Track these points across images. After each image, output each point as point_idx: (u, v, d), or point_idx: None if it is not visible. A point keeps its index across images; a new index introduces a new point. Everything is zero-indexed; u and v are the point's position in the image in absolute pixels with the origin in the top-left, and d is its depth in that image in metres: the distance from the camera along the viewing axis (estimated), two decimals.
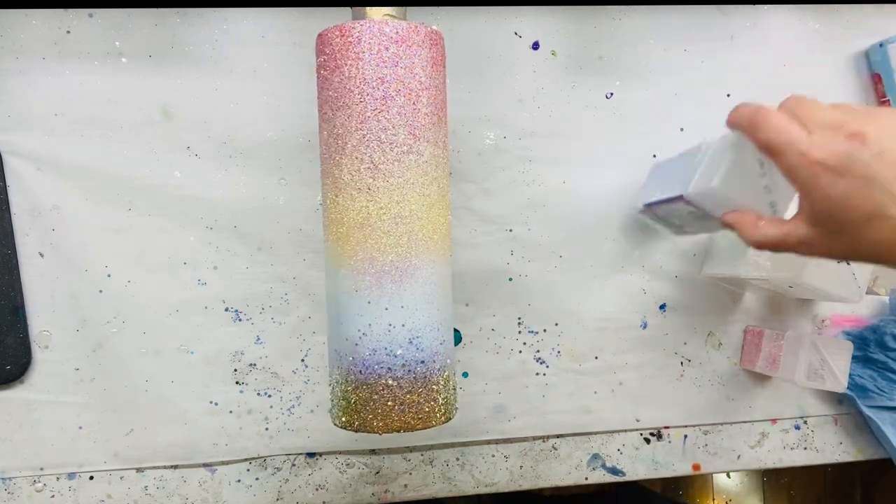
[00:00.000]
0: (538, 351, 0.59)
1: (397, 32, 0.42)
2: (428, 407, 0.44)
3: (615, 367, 0.60)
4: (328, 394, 0.45)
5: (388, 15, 0.43)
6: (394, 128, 0.42)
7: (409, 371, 0.43)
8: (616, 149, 0.59)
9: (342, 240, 0.42)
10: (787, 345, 0.55)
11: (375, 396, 0.43)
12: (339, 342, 0.43)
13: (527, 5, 0.57)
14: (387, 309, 0.42)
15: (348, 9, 0.43)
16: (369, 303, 0.42)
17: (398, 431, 0.43)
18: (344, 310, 0.43)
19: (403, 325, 0.43)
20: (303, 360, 0.56)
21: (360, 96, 0.41)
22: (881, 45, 0.60)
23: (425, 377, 0.43)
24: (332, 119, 0.42)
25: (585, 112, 0.58)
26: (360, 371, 0.42)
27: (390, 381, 0.42)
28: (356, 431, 0.43)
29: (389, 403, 0.42)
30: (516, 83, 0.57)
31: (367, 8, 0.43)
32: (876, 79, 0.61)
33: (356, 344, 0.42)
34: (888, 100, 0.61)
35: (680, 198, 0.47)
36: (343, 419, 0.43)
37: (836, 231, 0.36)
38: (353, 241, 0.42)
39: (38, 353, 0.52)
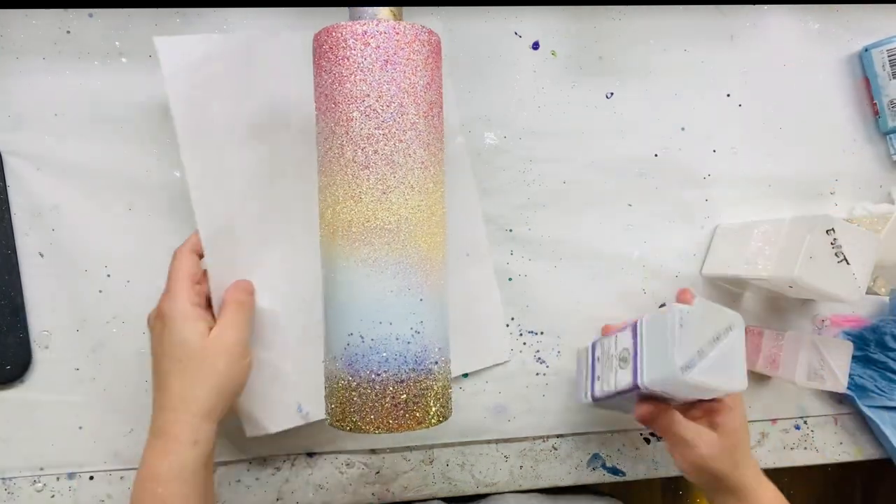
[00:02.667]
0: (538, 351, 0.59)
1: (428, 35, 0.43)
2: (451, 397, 0.46)
3: None
4: (350, 400, 0.43)
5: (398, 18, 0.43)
6: (436, 130, 0.44)
7: (448, 364, 0.45)
8: (616, 149, 0.59)
9: (392, 238, 0.42)
10: (787, 345, 0.55)
11: (424, 392, 0.43)
12: (385, 344, 0.42)
13: (527, 5, 0.57)
14: (435, 305, 0.44)
15: (361, 9, 0.43)
16: (421, 300, 0.43)
17: (438, 424, 0.44)
18: (392, 310, 0.42)
19: (446, 320, 0.44)
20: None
21: (413, 97, 0.42)
22: (866, 49, 0.60)
23: (450, 369, 0.46)
24: (377, 116, 0.42)
25: (585, 112, 0.58)
26: (413, 369, 0.43)
27: (438, 376, 0.44)
28: (404, 431, 0.43)
29: (438, 397, 0.44)
30: (516, 83, 0.57)
31: (386, 8, 0.43)
32: (865, 83, 0.61)
33: (408, 342, 0.42)
34: (876, 103, 0.61)
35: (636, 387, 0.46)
36: (390, 422, 0.42)
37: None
38: (406, 239, 0.42)
39: (38, 353, 0.52)
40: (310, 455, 0.56)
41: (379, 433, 0.42)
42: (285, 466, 0.56)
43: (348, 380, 0.42)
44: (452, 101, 0.56)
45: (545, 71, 0.58)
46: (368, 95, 0.41)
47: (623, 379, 0.47)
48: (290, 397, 0.52)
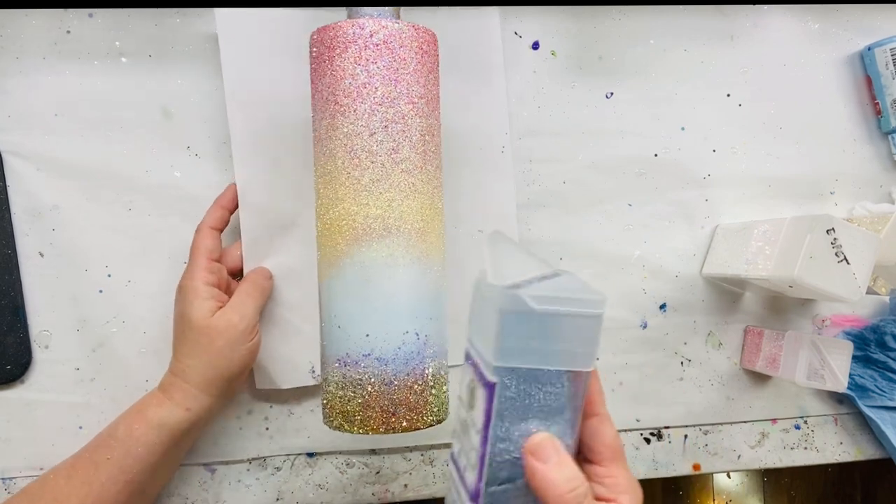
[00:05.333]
0: None
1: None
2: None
3: (615, 367, 0.59)
4: (405, 401, 0.42)
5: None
6: (437, 130, 0.45)
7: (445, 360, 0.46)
8: (616, 149, 0.59)
9: (438, 234, 0.44)
10: (787, 345, 0.55)
11: (446, 383, 0.45)
12: (435, 339, 0.43)
13: (527, 5, 0.57)
14: (448, 303, 0.45)
15: (361, 9, 0.43)
16: (447, 295, 0.45)
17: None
18: (438, 305, 0.44)
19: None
20: None
21: (437, 98, 0.44)
22: (869, 48, 0.60)
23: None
24: (427, 116, 0.43)
25: (585, 112, 0.58)
26: (445, 362, 0.45)
27: (447, 372, 0.46)
28: (427, 427, 0.43)
29: (448, 391, 0.45)
30: (516, 83, 0.57)
31: (391, 8, 0.43)
32: (867, 81, 0.61)
33: (446, 336, 0.44)
34: (878, 102, 0.61)
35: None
36: (441, 415, 0.44)
37: None
38: (440, 235, 0.44)
39: (38, 353, 0.52)
40: (310, 455, 0.56)
41: (427, 428, 0.43)
42: (285, 466, 0.56)
43: (403, 379, 0.41)
44: (504, 107, 0.56)
45: (545, 71, 0.58)
46: (423, 97, 0.42)
47: (478, 410, 0.32)
48: (305, 358, 0.53)
